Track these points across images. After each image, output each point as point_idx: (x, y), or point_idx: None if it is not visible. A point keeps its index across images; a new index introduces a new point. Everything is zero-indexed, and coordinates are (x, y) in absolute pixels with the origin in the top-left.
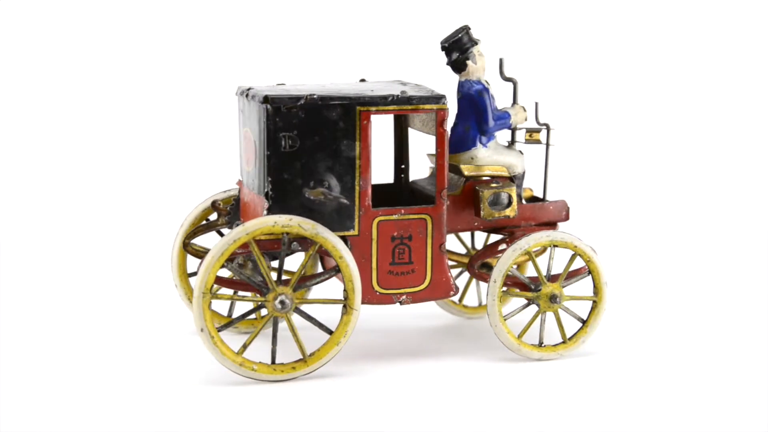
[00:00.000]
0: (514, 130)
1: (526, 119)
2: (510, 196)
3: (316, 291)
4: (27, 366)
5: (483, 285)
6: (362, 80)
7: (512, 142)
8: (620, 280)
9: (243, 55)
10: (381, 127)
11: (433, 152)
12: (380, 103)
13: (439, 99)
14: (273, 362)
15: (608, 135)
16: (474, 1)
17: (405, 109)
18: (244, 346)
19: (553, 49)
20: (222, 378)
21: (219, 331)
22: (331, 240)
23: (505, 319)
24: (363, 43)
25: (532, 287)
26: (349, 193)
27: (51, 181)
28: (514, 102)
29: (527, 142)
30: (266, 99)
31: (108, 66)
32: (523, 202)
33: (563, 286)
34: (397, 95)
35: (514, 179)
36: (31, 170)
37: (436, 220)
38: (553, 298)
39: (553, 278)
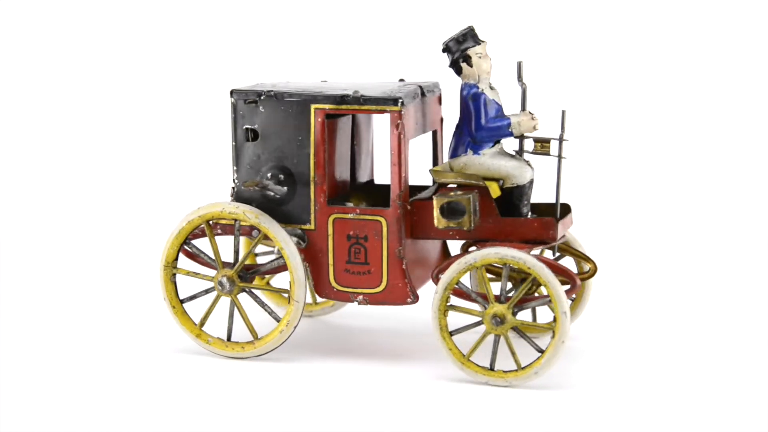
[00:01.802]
0: (522, 139)
1: (535, 128)
2: (464, 207)
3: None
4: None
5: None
6: (401, 80)
7: (520, 152)
8: (617, 305)
9: (305, 53)
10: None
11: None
12: (333, 102)
13: (392, 101)
14: (228, 339)
15: (628, 147)
16: (520, 5)
17: (357, 109)
18: (201, 322)
19: (584, 58)
20: (192, 348)
21: (182, 303)
22: (272, 230)
23: (451, 335)
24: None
25: (485, 306)
26: (304, 188)
27: (66, 178)
28: (523, 108)
29: (535, 152)
30: (231, 92)
31: (138, 68)
32: (530, 215)
33: (516, 311)
34: (350, 95)
35: (524, 188)
36: (34, 169)
37: (391, 224)
38: (495, 320)
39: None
